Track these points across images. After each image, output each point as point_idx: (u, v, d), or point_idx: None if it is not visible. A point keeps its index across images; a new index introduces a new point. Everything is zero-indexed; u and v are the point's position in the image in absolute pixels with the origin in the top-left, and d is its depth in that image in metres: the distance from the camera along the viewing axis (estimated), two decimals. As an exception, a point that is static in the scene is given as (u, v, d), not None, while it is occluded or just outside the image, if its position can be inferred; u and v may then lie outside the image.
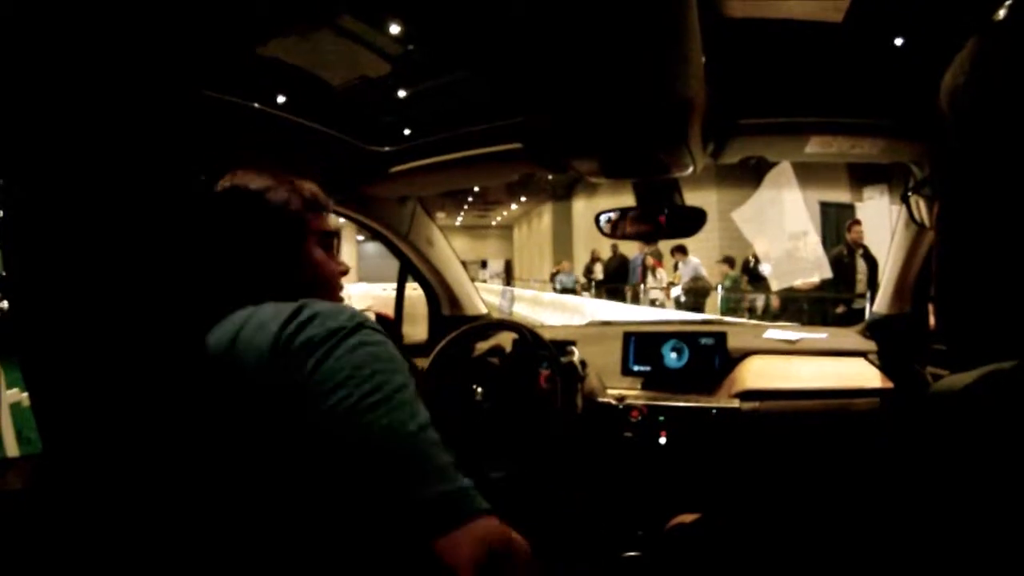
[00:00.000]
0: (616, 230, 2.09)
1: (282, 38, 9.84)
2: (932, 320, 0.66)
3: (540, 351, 2.18)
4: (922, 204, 0.73)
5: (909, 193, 0.75)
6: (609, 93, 1.42)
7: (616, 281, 15.03)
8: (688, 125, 1.57)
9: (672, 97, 1.43)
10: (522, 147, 1.90)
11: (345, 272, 1.33)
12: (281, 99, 10.29)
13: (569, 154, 1.83)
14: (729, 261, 12.22)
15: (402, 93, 12.77)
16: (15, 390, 4.70)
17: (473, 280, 2.93)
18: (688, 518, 1.48)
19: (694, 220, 1.98)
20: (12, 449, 4.35)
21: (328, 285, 1.27)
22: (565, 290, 17.57)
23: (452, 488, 0.88)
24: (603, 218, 2.08)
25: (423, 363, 2.28)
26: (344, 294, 1.36)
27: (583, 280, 18.08)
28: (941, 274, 0.62)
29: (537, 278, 26.81)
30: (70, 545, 0.81)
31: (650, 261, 13.28)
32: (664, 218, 1.99)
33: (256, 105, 1.70)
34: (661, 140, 1.66)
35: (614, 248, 15.29)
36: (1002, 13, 0.54)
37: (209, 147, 1.31)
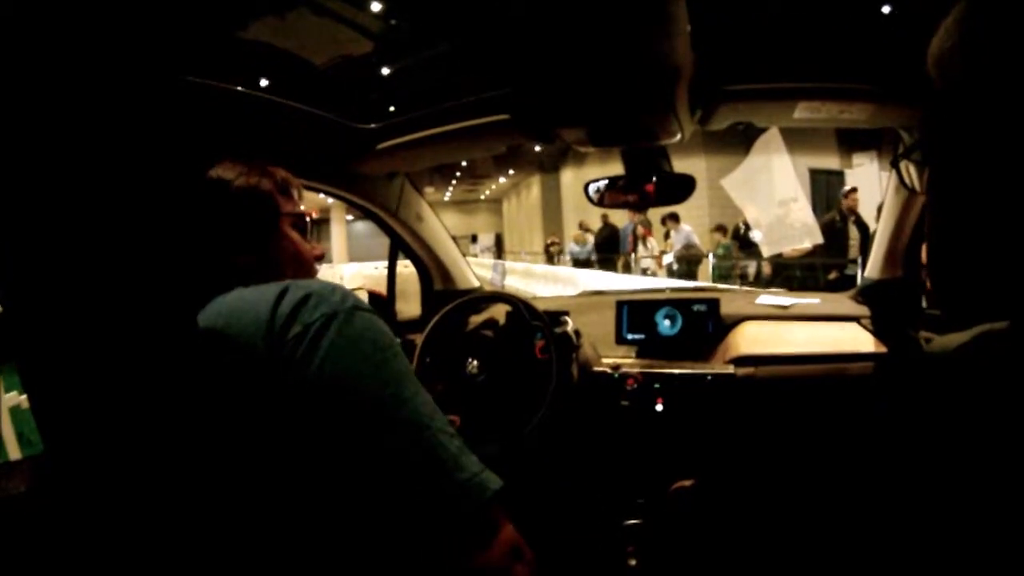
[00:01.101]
0: (605, 199, 2.09)
1: (262, 20, 9.77)
2: (928, 284, 0.67)
3: (534, 322, 2.18)
4: (912, 169, 0.73)
5: (899, 158, 0.75)
6: (595, 61, 1.42)
7: (607, 251, 15.00)
8: (675, 91, 1.56)
9: (658, 64, 1.42)
10: (509, 118, 1.89)
11: (320, 255, 1.33)
12: (264, 82, 10.22)
13: (557, 123, 1.82)
14: (722, 229, 12.25)
15: (386, 71, 12.70)
16: (13, 393, 4.67)
17: (464, 255, 2.93)
18: (687, 484, 1.49)
19: (683, 187, 1.98)
20: (14, 452, 4.33)
21: (305, 267, 1.28)
22: (578, 263, 15.74)
23: (466, 476, 0.88)
24: (592, 188, 2.08)
25: (418, 338, 2.28)
26: (336, 274, 1.36)
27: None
28: (933, 238, 0.62)
29: (528, 250, 26.83)
30: (76, 546, 0.81)
31: (640, 230, 13.28)
32: (653, 186, 1.99)
33: (239, 89, 1.69)
34: (648, 107, 1.66)
35: (604, 218, 15.27)
36: None
37: (195, 133, 1.30)
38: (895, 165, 0.76)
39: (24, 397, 4.64)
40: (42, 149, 0.69)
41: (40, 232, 0.70)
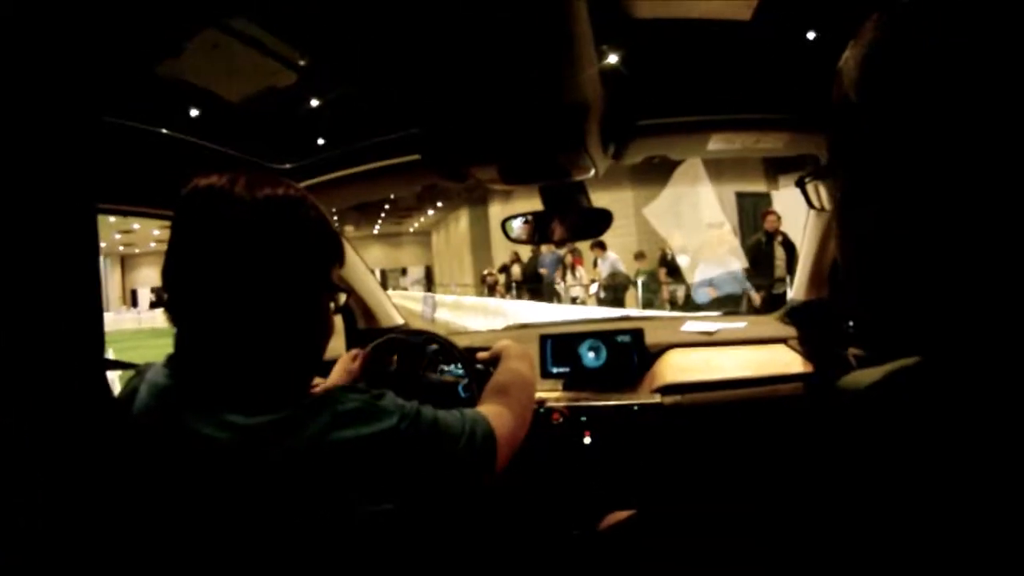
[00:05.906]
0: (523, 235, 2.09)
1: (188, 49, 9.64)
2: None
3: (454, 355, 2.15)
4: (821, 188, 0.74)
5: (804, 180, 0.75)
6: (503, 100, 1.41)
7: (535, 281, 15.11)
8: (585, 128, 1.57)
9: (567, 101, 1.42)
10: (420, 158, 1.87)
11: None
12: (195, 112, 10.11)
13: (467, 163, 1.81)
14: (640, 256, 12.44)
15: (315, 103, 12.62)
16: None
17: (395, 288, 2.89)
18: (622, 515, 1.48)
19: (600, 221, 1.99)
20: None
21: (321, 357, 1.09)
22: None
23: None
24: (512, 223, 2.07)
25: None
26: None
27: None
28: (844, 262, 0.62)
29: (458, 282, 26.90)
30: None
31: (568, 259, 13.41)
32: (570, 221, 1.99)
33: (147, 128, 1.63)
34: (559, 144, 1.66)
35: (535, 250, 15.38)
36: None
37: (99, 173, 1.25)
38: (800, 186, 0.76)
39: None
40: None
41: None
